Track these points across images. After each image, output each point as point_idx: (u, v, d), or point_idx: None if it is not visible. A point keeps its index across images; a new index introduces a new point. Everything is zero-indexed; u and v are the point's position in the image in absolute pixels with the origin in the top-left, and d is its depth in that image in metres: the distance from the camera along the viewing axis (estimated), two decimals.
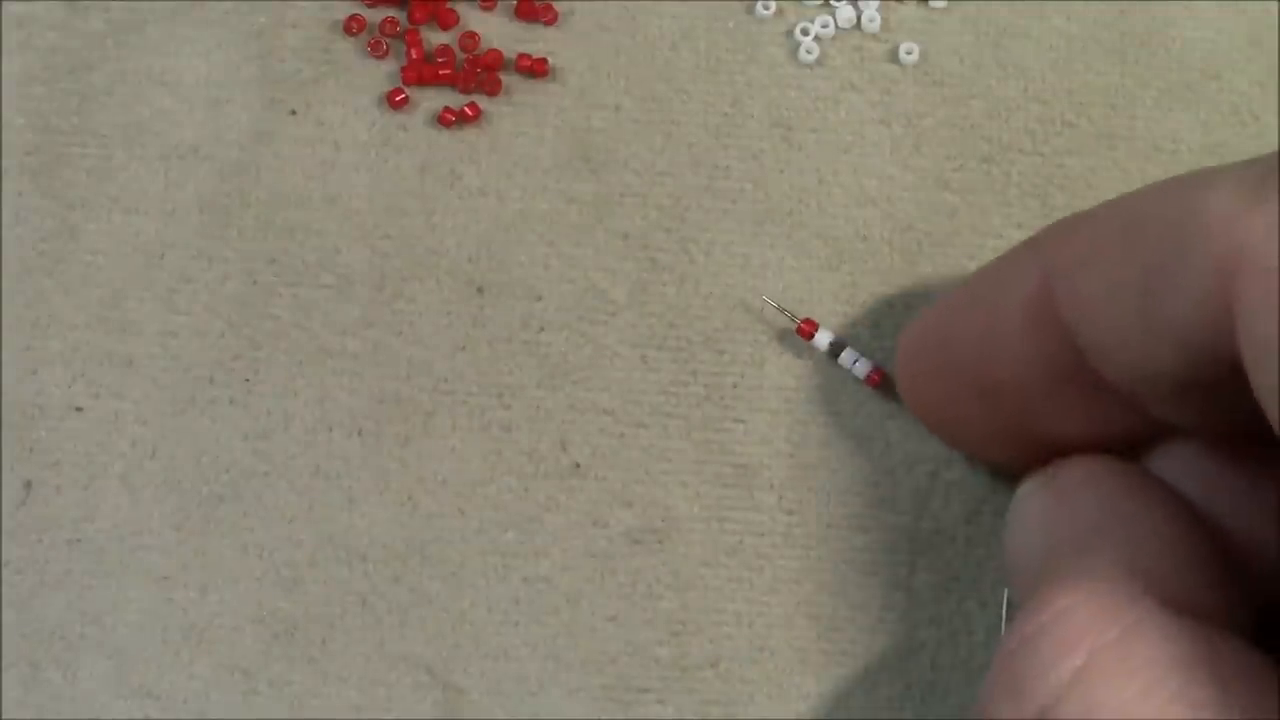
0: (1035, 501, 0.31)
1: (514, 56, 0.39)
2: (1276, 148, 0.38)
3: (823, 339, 0.37)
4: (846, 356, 0.36)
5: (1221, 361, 0.27)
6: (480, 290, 0.38)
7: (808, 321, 0.37)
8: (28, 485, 0.37)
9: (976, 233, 0.38)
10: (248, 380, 0.37)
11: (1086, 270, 0.29)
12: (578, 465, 0.36)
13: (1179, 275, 0.27)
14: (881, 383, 0.36)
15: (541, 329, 0.37)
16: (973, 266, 0.37)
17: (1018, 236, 0.38)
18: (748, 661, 0.35)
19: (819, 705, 0.35)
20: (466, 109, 0.39)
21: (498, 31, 0.40)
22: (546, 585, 0.36)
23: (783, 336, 0.37)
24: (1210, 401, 0.29)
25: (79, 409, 0.37)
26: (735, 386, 0.37)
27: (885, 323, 0.37)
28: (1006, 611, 0.35)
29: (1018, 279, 0.31)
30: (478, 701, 0.35)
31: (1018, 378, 0.32)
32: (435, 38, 0.40)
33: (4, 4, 0.40)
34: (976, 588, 0.36)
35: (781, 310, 0.37)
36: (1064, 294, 0.30)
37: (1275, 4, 0.39)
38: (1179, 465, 0.32)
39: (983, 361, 0.32)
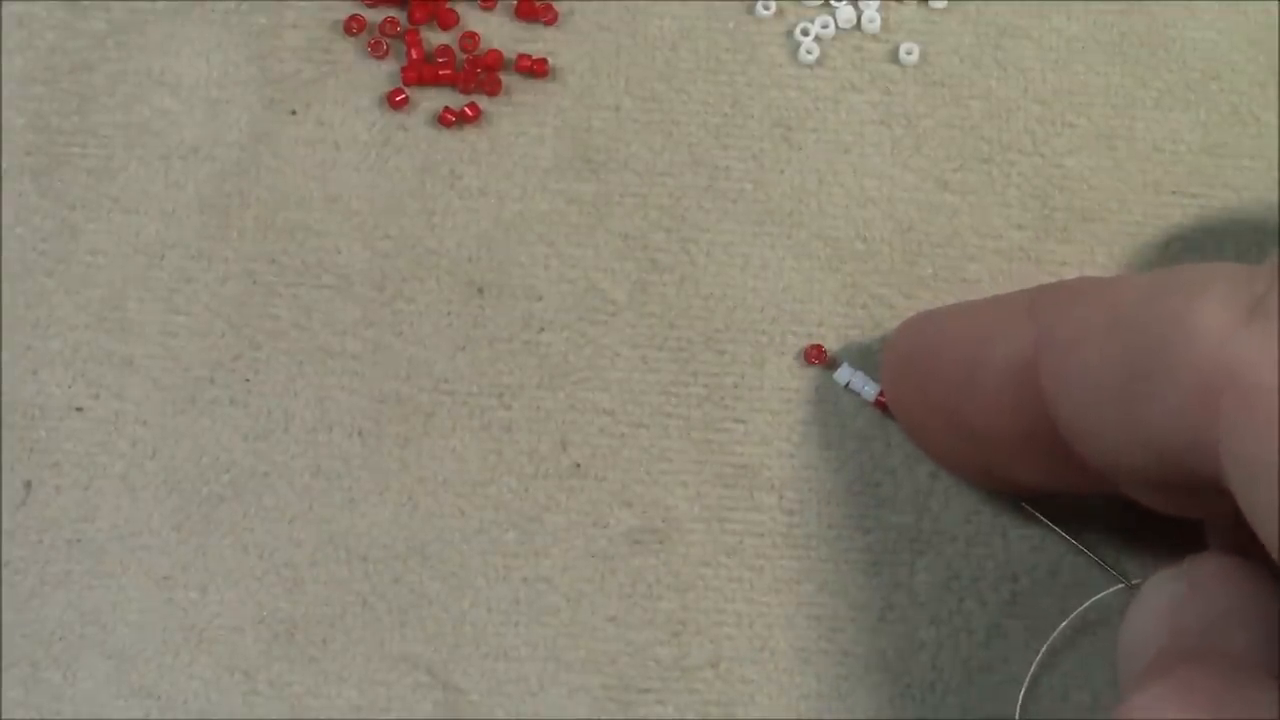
0: (1165, 592, 0.30)
1: (514, 56, 0.39)
2: (1276, 148, 0.38)
3: (843, 374, 0.37)
4: (857, 381, 0.36)
5: (1200, 470, 0.27)
6: (480, 290, 0.38)
7: (816, 345, 0.37)
8: (28, 485, 0.36)
9: (977, 233, 0.38)
10: (248, 380, 0.37)
11: (1074, 354, 0.29)
12: (578, 465, 0.36)
13: (1161, 384, 0.27)
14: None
15: (541, 329, 0.37)
16: (973, 267, 0.37)
17: (1018, 237, 0.38)
18: (748, 662, 0.35)
19: (820, 705, 0.35)
20: (466, 109, 0.39)
21: (498, 31, 0.40)
22: (546, 585, 0.36)
23: (783, 336, 0.37)
24: (1187, 497, 0.29)
25: (79, 409, 0.37)
26: (735, 386, 0.37)
27: (886, 323, 0.37)
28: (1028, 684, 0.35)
29: (1008, 335, 0.31)
30: (478, 701, 0.35)
31: (993, 428, 0.32)
32: (435, 38, 0.40)
33: (4, 4, 0.40)
34: (977, 588, 0.36)
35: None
36: (1048, 368, 0.30)
37: (1275, 4, 0.39)
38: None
39: (960, 403, 0.32)
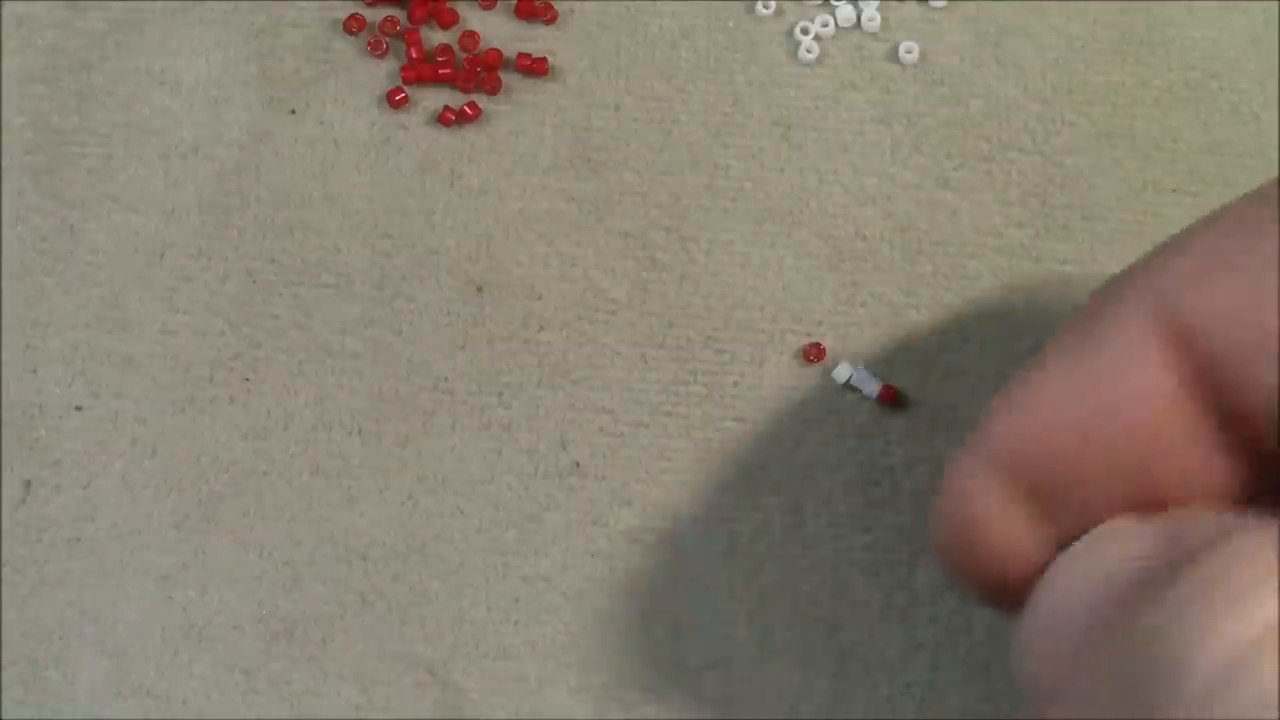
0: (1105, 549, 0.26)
1: (514, 56, 0.39)
2: (1276, 147, 0.38)
3: (843, 372, 0.37)
4: (859, 376, 0.36)
5: None
6: (480, 290, 0.38)
7: (816, 344, 0.37)
8: (28, 485, 0.37)
9: (977, 232, 0.38)
10: (247, 379, 0.37)
11: (1212, 284, 0.25)
12: (578, 464, 0.36)
13: None
14: (894, 400, 0.36)
15: (541, 328, 0.37)
16: (973, 265, 0.37)
17: (1018, 235, 0.38)
18: (748, 661, 0.35)
19: (819, 705, 0.35)
20: (466, 108, 0.39)
21: (497, 31, 0.40)
22: (546, 584, 0.36)
23: (782, 335, 0.37)
24: None
25: (79, 408, 0.37)
26: (735, 386, 0.37)
27: (885, 322, 0.37)
28: None
29: (1123, 333, 0.26)
30: (478, 701, 0.35)
31: (1151, 449, 0.26)
32: (435, 37, 0.40)
33: (4, 4, 0.40)
34: None
35: None
36: (1190, 313, 0.25)
37: (1275, 4, 0.39)
38: None
39: (1105, 452, 0.26)
